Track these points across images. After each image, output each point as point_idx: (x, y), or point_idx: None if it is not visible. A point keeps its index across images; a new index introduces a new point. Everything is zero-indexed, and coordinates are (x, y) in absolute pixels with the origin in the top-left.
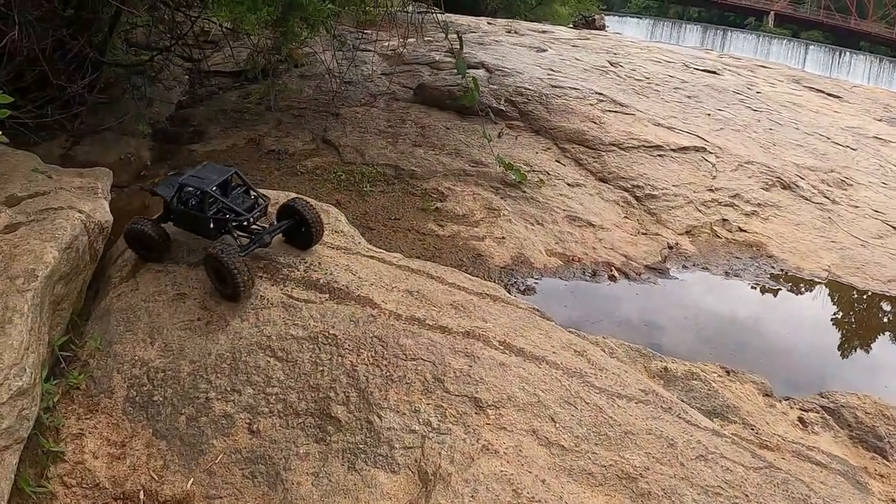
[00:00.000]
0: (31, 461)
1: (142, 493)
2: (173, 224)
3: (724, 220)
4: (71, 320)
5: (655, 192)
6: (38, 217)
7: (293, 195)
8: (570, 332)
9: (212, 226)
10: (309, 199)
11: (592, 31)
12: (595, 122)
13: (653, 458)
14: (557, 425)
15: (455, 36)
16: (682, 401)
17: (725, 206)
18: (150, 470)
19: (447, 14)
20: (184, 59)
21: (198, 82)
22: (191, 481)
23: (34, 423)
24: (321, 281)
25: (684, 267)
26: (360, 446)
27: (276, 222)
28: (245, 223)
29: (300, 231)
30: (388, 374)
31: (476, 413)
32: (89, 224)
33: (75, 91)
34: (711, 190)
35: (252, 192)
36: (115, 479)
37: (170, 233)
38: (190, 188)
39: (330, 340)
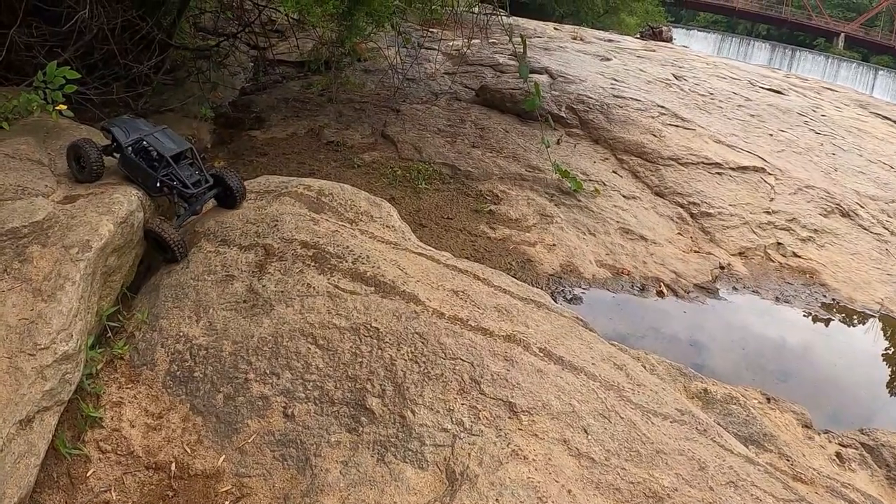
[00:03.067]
0: (70, 424)
1: (174, 464)
2: (119, 164)
3: (779, 243)
4: (121, 292)
5: (711, 211)
6: (97, 190)
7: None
8: (611, 344)
9: (158, 184)
10: (231, 169)
11: (659, 43)
12: (655, 136)
13: (682, 479)
14: (589, 437)
15: (519, 39)
16: (719, 424)
17: (781, 229)
18: (184, 443)
19: (514, 18)
20: (249, 46)
21: (262, 70)
22: (222, 458)
23: (76, 387)
24: (368, 274)
25: (734, 289)
26: (392, 440)
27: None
28: (188, 196)
29: (227, 195)
30: (425, 370)
31: (509, 417)
32: (146, 201)
33: (141, 71)
34: (768, 212)
35: (198, 169)
36: (149, 449)
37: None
38: (148, 145)
39: (371, 333)
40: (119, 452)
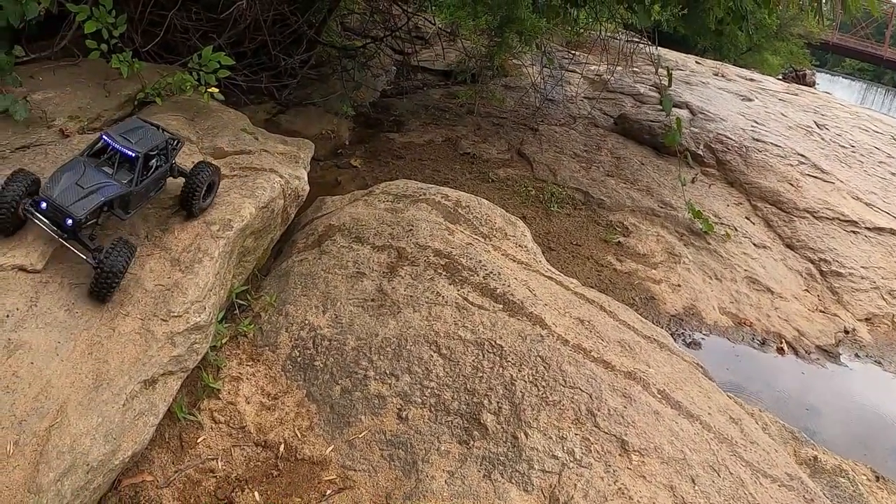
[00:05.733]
0: (189, 390)
1: (282, 446)
2: None
3: None
4: (252, 273)
5: (842, 271)
6: (241, 173)
7: None
8: (728, 396)
9: None
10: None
11: (801, 87)
12: (792, 185)
13: None
14: (696, 488)
15: (665, 71)
16: (825, 496)
17: None
18: (296, 427)
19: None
20: (394, 50)
21: (404, 75)
22: (331, 448)
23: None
24: (498, 291)
25: (857, 356)
26: (500, 458)
27: None
28: None
29: None
30: (544, 395)
31: (620, 455)
32: (287, 189)
33: (289, 64)
34: None
35: None
36: (261, 427)
37: None
38: None
39: (495, 350)
40: (231, 425)
